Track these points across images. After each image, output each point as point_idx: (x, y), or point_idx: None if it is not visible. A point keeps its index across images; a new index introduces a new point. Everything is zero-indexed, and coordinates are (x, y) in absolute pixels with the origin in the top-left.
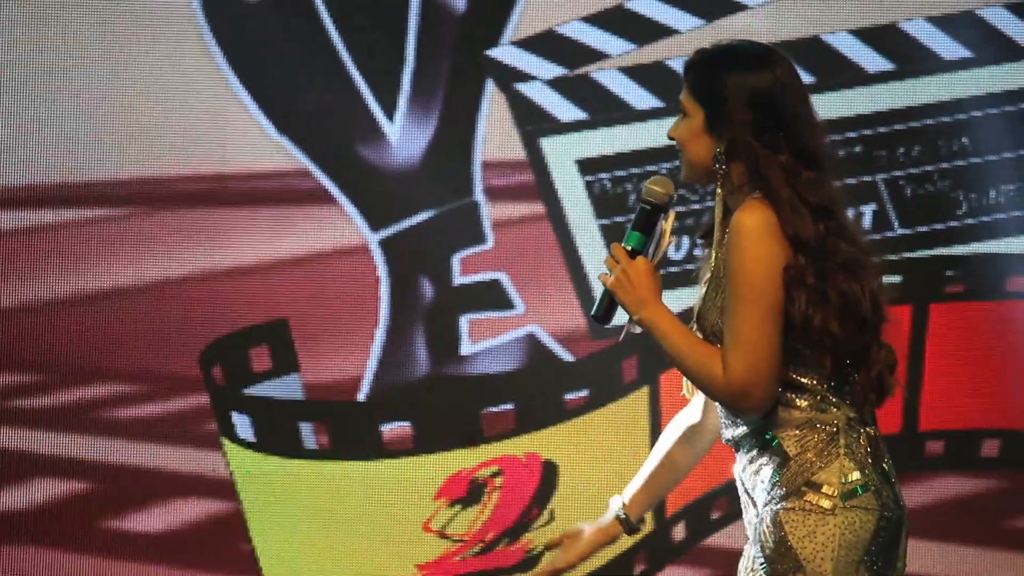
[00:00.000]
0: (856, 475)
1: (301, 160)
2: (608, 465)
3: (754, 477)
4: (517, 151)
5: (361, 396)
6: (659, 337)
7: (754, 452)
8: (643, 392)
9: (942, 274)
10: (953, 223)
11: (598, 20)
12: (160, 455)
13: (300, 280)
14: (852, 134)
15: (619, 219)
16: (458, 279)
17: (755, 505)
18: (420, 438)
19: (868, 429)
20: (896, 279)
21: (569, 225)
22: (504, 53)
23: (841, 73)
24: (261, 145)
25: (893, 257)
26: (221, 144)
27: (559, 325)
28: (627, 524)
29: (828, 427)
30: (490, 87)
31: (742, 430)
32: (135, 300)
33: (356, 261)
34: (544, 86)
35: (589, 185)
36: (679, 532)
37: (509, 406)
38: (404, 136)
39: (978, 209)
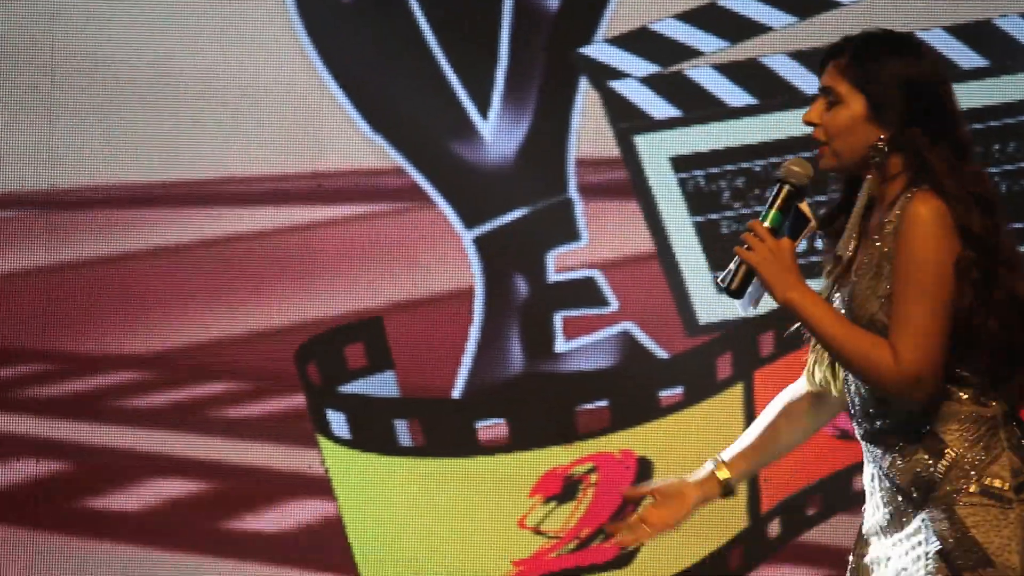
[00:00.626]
0: (1022, 467)
1: (395, 158)
2: (703, 462)
3: (909, 473)
4: (611, 148)
5: (456, 393)
6: (809, 320)
7: (906, 447)
8: (737, 389)
9: None
10: None
11: (691, 17)
12: (262, 453)
13: (396, 278)
14: None
15: (713, 216)
16: (552, 276)
17: (908, 500)
18: (515, 435)
19: (1018, 423)
20: None
21: (663, 222)
22: (597, 51)
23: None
24: (357, 144)
25: None
26: (317, 143)
27: (653, 322)
28: (725, 485)
29: (989, 420)
30: (583, 84)
31: (889, 423)
32: (230, 298)
33: (451, 258)
34: (638, 83)
35: (683, 182)
36: (774, 528)
37: (604, 403)
38: (498, 134)
39: None
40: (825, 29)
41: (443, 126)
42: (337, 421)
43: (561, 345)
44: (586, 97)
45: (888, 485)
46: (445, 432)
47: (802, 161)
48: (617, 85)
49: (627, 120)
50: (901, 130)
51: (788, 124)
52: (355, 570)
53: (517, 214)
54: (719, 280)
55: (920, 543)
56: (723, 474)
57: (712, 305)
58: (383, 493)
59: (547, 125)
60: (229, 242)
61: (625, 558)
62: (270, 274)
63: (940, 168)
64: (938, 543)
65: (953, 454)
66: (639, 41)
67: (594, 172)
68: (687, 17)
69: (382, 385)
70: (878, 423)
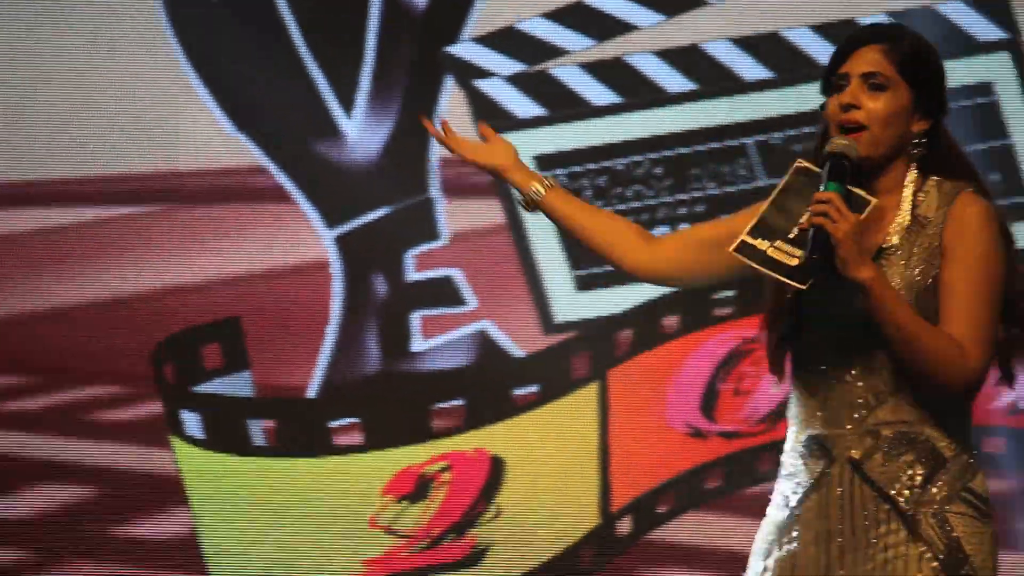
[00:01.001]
0: (984, 480)
1: (258, 157)
2: (556, 460)
3: (893, 474)
4: None
5: (311, 393)
6: (883, 304)
7: (895, 447)
8: (592, 388)
9: None
10: None
11: (558, 16)
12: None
13: (253, 277)
14: (808, 128)
15: None
16: (411, 275)
17: (886, 500)
18: (369, 434)
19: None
20: None
21: (523, 222)
22: (463, 49)
23: (798, 66)
24: (217, 142)
25: None
26: (175, 141)
27: (511, 321)
28: (534, 194)
29: (967, 433)
30: (449, 83)
31: (885, 419)
32: (88, 297)
33: (310, 257)
34: (503, 82)
35: None
36: (625, 526)
37: (459, 402)
38: (362, 133)
39: None
40: (692, 28)
41: (306, 125)
42: (191, 421)
43: (418, 344)
44: (451, 96)
45: (860, 484)
46: (299, 432)
47: (851, 140)
48: (482, 84)
49: (492, 119)
50: (937, 126)
51: (652, 122)
52: (205, 567)
53: (379, 213)
54: (790, 238)
55: (904, 547)
56: (541, 186)
57: (569, 304)
58: (236, 494)
59: (411, 124)
60: (86, 240)
61: (475, 557)
62: (129, 272)
63: (971, 165)
64: (929, 549)
65: (947, 463)
66: (505, 40)
67: (457, 171)
68: (554, 16)
69: (238, 385)
70: (873, 419)
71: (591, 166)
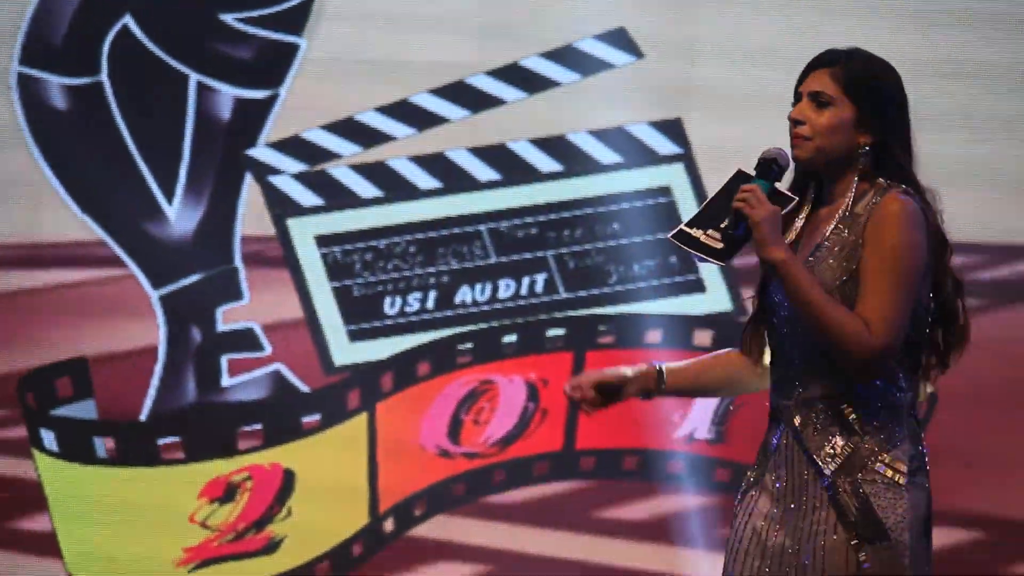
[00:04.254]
0: (916, 456)
1: (100, 234)
2: (335, 473)
3: (821, 444)
4: (269, 228)
5: (143, 417)
6: (793, 282)
7: (823, 419)
8: (363, 417)
9: (596, 328)
10: (606, 289)
11: (333, 128)
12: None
13: (98, 324)
14: (530, 219)
15: (347, 282)
16: (221, 327)
17: (814, 467)
18: (188, 450)
19: (915, 416)
20: (561, 331)
21: (308, 286)
22: (260, 152)
23: (522, 172)
24: (70, 221)
25: (559, 315)
26: (38, 219)
27: (298, 364)
28: (659, 380)
29: (898, 410)
30: (248, 178)
31: (817, 395)
32: None
33: (142, 312)
34: (290, 178)
35: (324, 256)
36: (389, 525)
37: (258, 426)
38: (180, 215)
39: (625, 279)
40: (435, 139)
41: (137, 209)
42: (48, 438)
43: (226, 381)
44: (250, 188)
45: (798, 450)
46: (134, 447)
47: (780, 149)
48: (274, 179)
49: (281, 207)
50: (882, 138)
51: (408, 212)
52: (61, 557)
53: (194, 278)
54: (721, 226)
55: (825, 510)
56: (660, 367)
57: (344, 351)
58: (85, 494)
59: (219, 209)
60: None
61: (272, 547)
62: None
63: (912, 174)
64: (844, 513)
65: (863, 437)
66: (292, 146)
67: (256, 246)
68: (329, 128)
69: (85, 410)
70: (807, 393)
71: (360, 245)
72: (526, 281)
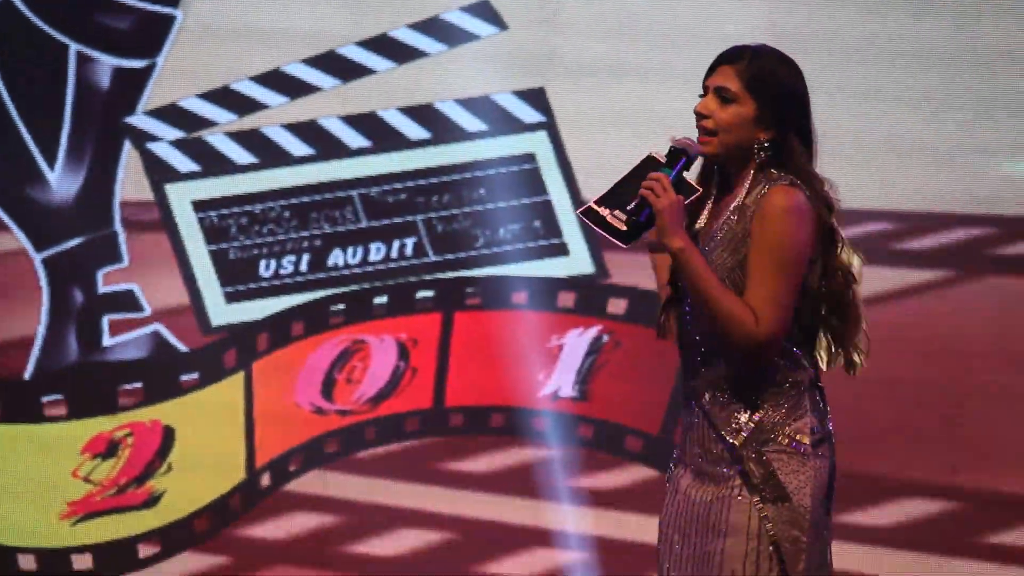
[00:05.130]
0: (819, 428)
1: None
2: (213, 430)
3: (726, 419)
4: (147, 194)
5: (27, 376)
6: (691, 270)
7: (727, 397)
8: (239, 376)
9: (464, 290)
10: (472, 252)
11: (208, 96)
12: None
13: None
14: (399, 184)
15: (223, 245)
16: (102, 288)
17: (721, 441)
18: (72, 407)
19: (821, 387)
20: (430, 293)
21: (186, 249)
22: (138, 120)
23: (392, 139)
24: None
25: (428, 277)
26: None
27: (176, 324)
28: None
29: (797, 386)
30: (127, 145)
31: (719, 374)
32: None
33: (25, 274)
34: (168, 145)
35: (201, 220)
36: (265, 480)
37: (139, 384)
38: (61, 181)
39: (491, 242)
40: (310, 108)
41: (19, 174)
42: None
43: (107, 340)
44: (129, 154)
45: (707, 425)
46: (19, 406)
47: (692, 141)
48: (152, 146)
49: (159, 173)
50: (781, 133)
51: (282, 177)
52: None
53: (76, 241)
54: (627, 210)
55: (731, 477)
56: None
57: (221, 312)
58: None
59: (99, 174)
60: None
61: (152, 501)
62: None
63: (805, 169)
64: (748, 478)
65: (764, 412)
66: (169, 114)
67: (135, 211)
68: (205, 96)
69: None
70: (712, 372)
71: (235, 209)
72: (396, 245)
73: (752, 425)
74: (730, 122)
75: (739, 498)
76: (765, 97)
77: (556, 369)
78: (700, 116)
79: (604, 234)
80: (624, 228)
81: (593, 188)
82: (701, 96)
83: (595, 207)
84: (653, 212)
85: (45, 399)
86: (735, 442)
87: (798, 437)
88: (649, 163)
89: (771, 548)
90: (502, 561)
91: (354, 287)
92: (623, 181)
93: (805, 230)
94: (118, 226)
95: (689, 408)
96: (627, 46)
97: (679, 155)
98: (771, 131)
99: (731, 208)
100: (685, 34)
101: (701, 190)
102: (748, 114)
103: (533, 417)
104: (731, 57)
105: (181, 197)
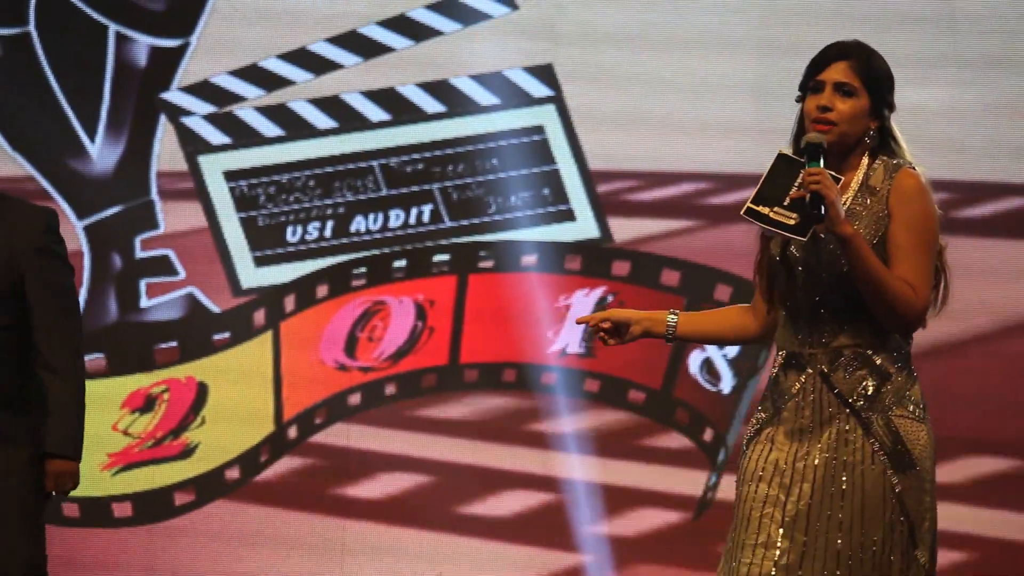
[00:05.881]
0: (923, 397)
1: (28, 169)
2: (243, 385)
3: (853, 385)
4: (182, 164)
5: None
6: (859, 253)
7: (853, 364)
8: (268, 335)
9: (478, 254)
10: (486, 218)
11: (238, 73)
12: None
13: None
14: (416, 155)
15: (252, 213)
16: (139, 253)
17: (845, 406)
18: (111, 365)
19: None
20: (446, 257)
21: (217, 217)
22: (173, 96)
23: (410, 112)
24: (3, 156)
25: (444, 242)
26: None
27: (210, 287)
28: (670, 329)
29: (909, 357)
30: (163, 119)
31: (844, 342)
32: None
33: (68, 240)
34: (200, 119)
35: (232, 190)
36: (293, 432)
37: (174, 343)
38: (102, 153)
39: (503, 208)
40: (333, 84)
41: (62, 147)
42: None
43: (144, 302)
44: (165, 128)
45: (827, 391)
46: None
47: (821, 133)
48: (186, 120)
49: (193, 145)
50: (885, 123)
51: (307, 149)
52: None
53: (115, 210)
54: (788, 204)
55: (860, 442)
56: (673, 319)
57: (251, 275)
58: None
59: (137, 147)
60: None
61: (188, 452)
62: None
63: (906, 152)
64: (879, 444)
65: (891, 378)
66: (202, 90)
67: (170, 181)
68: (236, 74)
69: None
70: (835, 342)
71: (264, 179)
72: (414, 212)
73: (878, 392)
74: (852, 114)
75: (872, 466)
76: (875, 90)
77: (564, 327)
78: (824, 109)
79: (774, 230)
80: (793, 222)
81: (597, 156)
82: (815, 90)
83: (755, 207)
84: (826, 204)
85: (87, 357)
86: (863, 407)
87: (917, 404)
88: (788, 160)
89: (903, 516)
90: (458, 498)
91: (375, 251)
92: (769, 179)
93: (935, 208)
94: (155, 195)
95: (796, 374)
96: (631, 18)
97: (817, 149)
98: (877, 120)
99: (853, 190)
100: (687, 3)
101: (843, 179)
102: (865, 106)
103: (543, 372)
104: (843, 54)
105: (213, 168)
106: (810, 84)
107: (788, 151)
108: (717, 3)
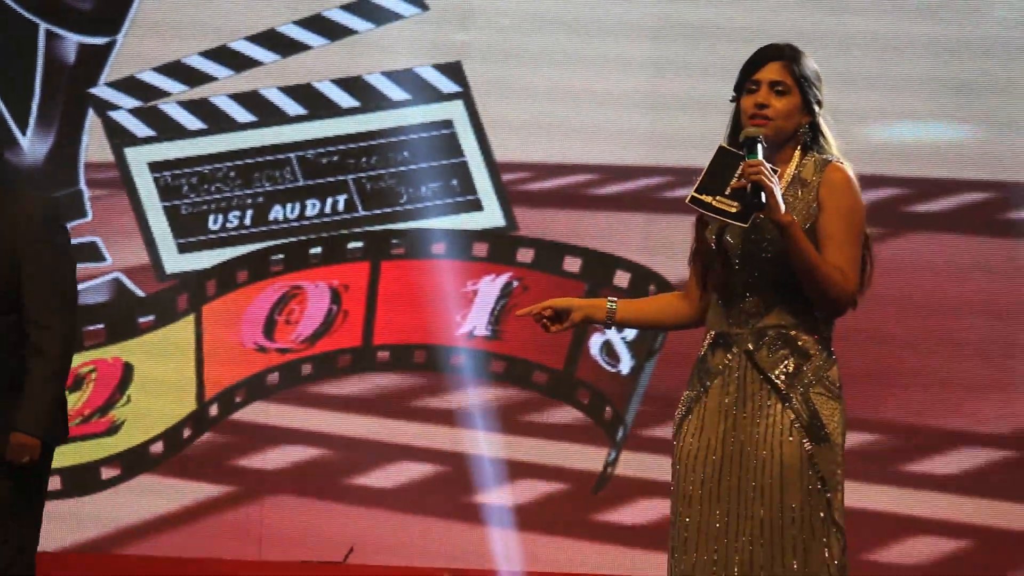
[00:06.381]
0: (839, 378)
1: None
2: (167, 366)
3: (776, 364)
4: (108, 156)
5: None
6: (797, 242)
7: (776, 344)
8: (191, 318)
9: (390, 241)
10: (398, 208)
11: (162, 70)
12: None
13: None
14: (332, 148)
15: (176, 202)
16: None
17: (768, 383)
18: None
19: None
20: (359, 244)
21: (143, 205)
22: (100, 91)
23: (325, 107)
24: None
25: (358, 230)
26: None
27: (135, 272)
28: (610, 312)
29: (828, 340)
30: (91, 113)
31: (769, 323)
32: None
33: None
34: (126, 113)
35: (156, 180)
36: (214, 410)
37: (101, 325)
38: (33, 144)
39: (414, 199)
40: (251, 81)
41: None
42: None
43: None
44: (92, 121)
45: (751, 369)
46: None
47: (758, 128)
48: (113, 114)
49: (119, 137)
50: (816, 120)
51: (227, 142)
52: None
53: None
54: (728, 193)
55: (779, 416)
56: (612, 305)
57: (174, 262)
58: None
59: (66, 139)
60: None
61: (114, 429)
62: None
63: (834, 147)
64: (798, 418)
65: (811, 358)
66: (128, 85)
67: (97, 172)
68: (160, 70)
69: None
70: (761, 323)
71: (187, 170)
72: (329, 201)
73: (798, 370)
74: (786, 111)
75: (789, 438)
76: (806, 88)
77: (471, 311)
78: (761, 106)
79: (718, 217)
80: (735, 210)
81: (503, 149)
82: (751, 89)
83: (698, 196)
84: (765, 193)
85: None
86: (784, 384)
87: (833, 383)
88: (728, 153)
89: (820, 484)
90: (370, 474)
91: (292, 239)
92: (711, 170)
93: (862, 200)
94: (83, 185)
95: (723, 353)
96: (533, 25)
97: (756, 143)
98: (808, 116)
99: (787, 182)
100: (579, 17)
101: (779, 170)
102: (797, 103)
103: (451, 354)
104: (776, 55)
105: (139, 159)
106: (746, 84)
107: (726, 145)
108: (611, 17)
